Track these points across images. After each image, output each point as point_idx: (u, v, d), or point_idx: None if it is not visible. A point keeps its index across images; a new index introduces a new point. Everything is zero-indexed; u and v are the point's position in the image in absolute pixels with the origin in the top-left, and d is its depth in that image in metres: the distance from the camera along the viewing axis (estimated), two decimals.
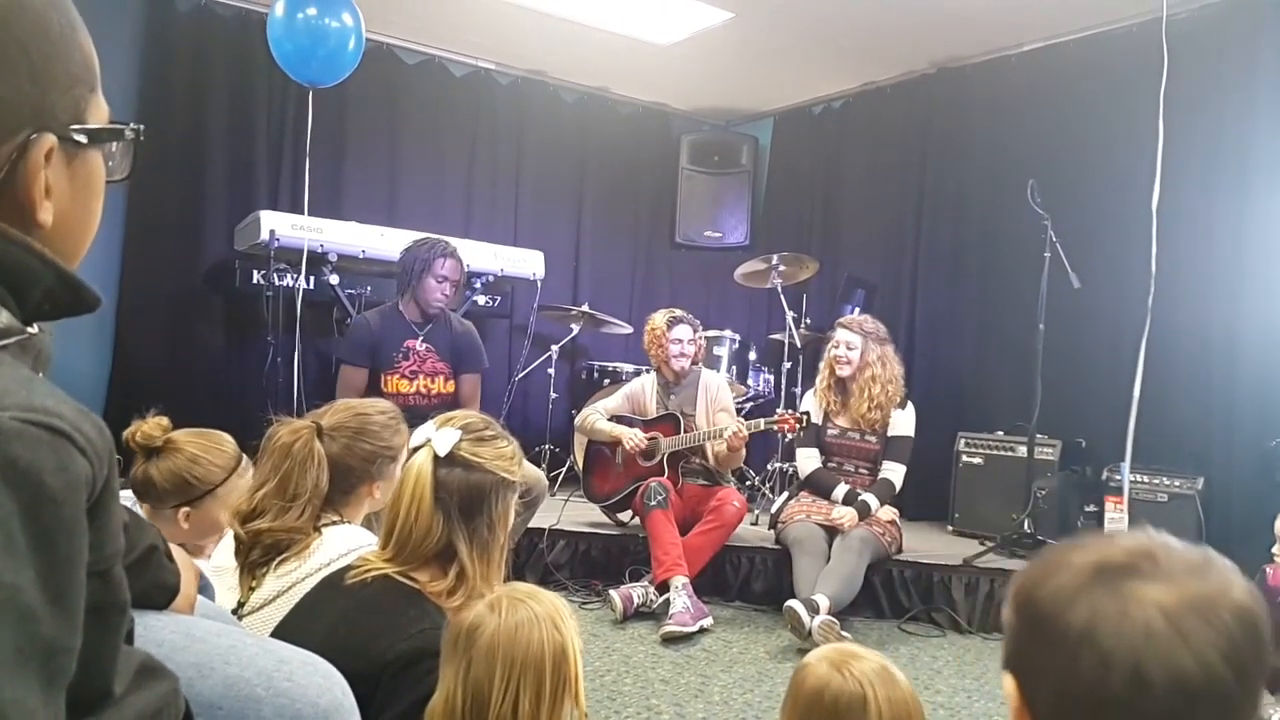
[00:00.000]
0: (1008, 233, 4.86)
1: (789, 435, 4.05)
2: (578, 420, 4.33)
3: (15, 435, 0.62)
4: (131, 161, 0.87)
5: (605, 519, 4.28)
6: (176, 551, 1.31)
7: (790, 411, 3.89)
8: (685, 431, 3.99)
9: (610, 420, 4.17)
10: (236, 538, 1.77)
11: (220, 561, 1.83)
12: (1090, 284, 4.13)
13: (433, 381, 3.95)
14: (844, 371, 3.94)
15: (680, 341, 4.10)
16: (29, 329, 0.73)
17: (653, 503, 3.74)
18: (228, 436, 1.93)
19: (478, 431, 1.53)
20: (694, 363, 4.21)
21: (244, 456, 1.92)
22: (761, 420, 3.87)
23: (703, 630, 3.44)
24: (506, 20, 5.11)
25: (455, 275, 3.92)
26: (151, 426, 1.80)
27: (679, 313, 4.18)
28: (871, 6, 4.69)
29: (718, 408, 4.10)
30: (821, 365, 4.08)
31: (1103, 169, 4.60)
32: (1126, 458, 2.55)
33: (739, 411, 4.51)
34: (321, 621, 1.47)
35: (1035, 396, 4.11)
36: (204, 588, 1.48)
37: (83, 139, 0.79)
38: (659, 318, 4.18)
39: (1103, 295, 4.32)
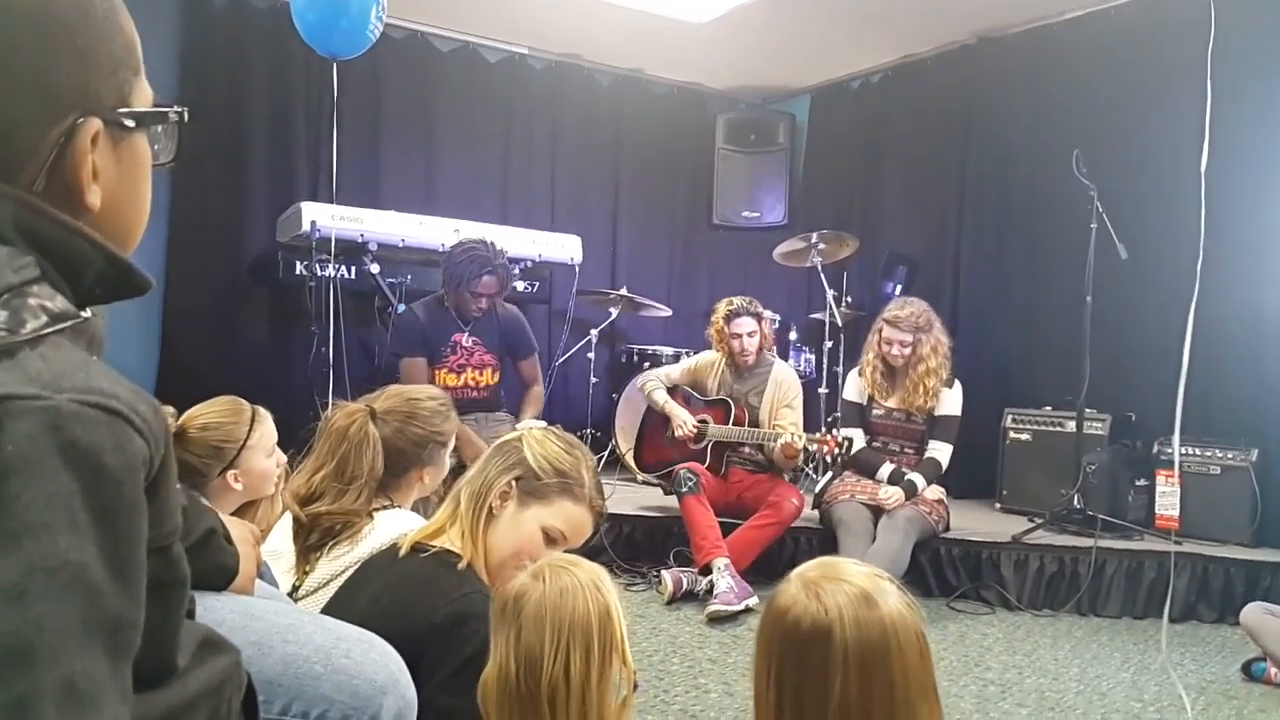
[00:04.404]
0: (1053, 204, 4.76)
1: (828, 457, 3.99)
2: (640, 381, 4.29)
3: (75, 417, 0.63)
4: (176, 144, 0.86)
5: (649, 501, 4.29)
6: (236, 534, 1.34)
7: (833, 434, 3.80)
8: (735, 420, 3.96)
9: (670, 388, 4.16)
10: (296, 520, 1.80)
11: (276, 545, 1.87)
12: (1138, 254, 4.05)
13: (480, 374, 3.98)
14: (897, 364, 3.89)
15: (740, 336, 3.98)
16: (83, 313, 0.73)
17: (684, 489, 3.73)
18: (226, 396, 1.92)
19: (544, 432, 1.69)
20: (769, 348, 4.14)
21: (251, 405, 1.92)
22: (805, 437, 3.80)
23: (748, 610, 3.42)
24: (540, 4, 5.10)
25: (494, 290, 3.92)
26: None
27: (738, 302, 4.01)
28: None
29: (783, 403, 3.99)
30: (868, 351, 3.99)
31: (1149, 137, 4.48)
32: (1176, 430, 2.48)
33: None
34: (366, 593, 1.52)
35: (1084, 370, 4.04)
36: (262, 572, 1.51)
37: (128, 122, 0.79)
38: (720, 311, 4.04)
39: (1151, 266, 4.21)
